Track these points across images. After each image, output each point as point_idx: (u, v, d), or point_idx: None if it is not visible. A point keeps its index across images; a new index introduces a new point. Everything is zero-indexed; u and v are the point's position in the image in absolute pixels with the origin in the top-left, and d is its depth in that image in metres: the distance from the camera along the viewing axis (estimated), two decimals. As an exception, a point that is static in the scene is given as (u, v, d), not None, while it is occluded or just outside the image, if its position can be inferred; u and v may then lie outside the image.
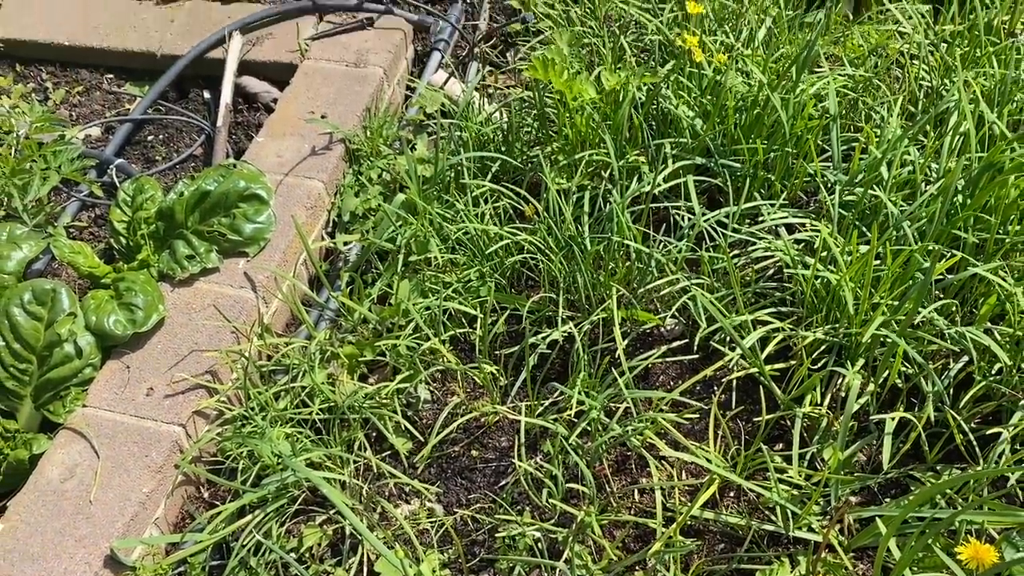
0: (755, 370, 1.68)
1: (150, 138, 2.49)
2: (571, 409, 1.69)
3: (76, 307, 1.80)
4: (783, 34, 2.32)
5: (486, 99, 2.44)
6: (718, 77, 2.02)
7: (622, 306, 1.85)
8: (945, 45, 2.22)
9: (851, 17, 2.55)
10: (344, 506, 1.53)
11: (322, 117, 2.28)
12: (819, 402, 1.69)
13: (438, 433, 1.73)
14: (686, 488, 1.70)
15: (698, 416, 1.77)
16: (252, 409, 1.79)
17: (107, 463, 1.68)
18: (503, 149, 2.17)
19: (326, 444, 1.75)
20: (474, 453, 1.84)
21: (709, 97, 2.05)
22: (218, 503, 1.79)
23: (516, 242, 1.93)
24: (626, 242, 1.80)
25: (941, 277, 1.73)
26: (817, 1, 2.51)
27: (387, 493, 1.78)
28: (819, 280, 1.75)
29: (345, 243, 2.14)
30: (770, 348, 1.69)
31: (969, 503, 1.49)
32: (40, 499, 1.64)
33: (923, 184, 1.87)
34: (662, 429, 1.64)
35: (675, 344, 1.83)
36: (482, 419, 1.86)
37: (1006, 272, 1.69)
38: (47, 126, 2.13)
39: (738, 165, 1.99)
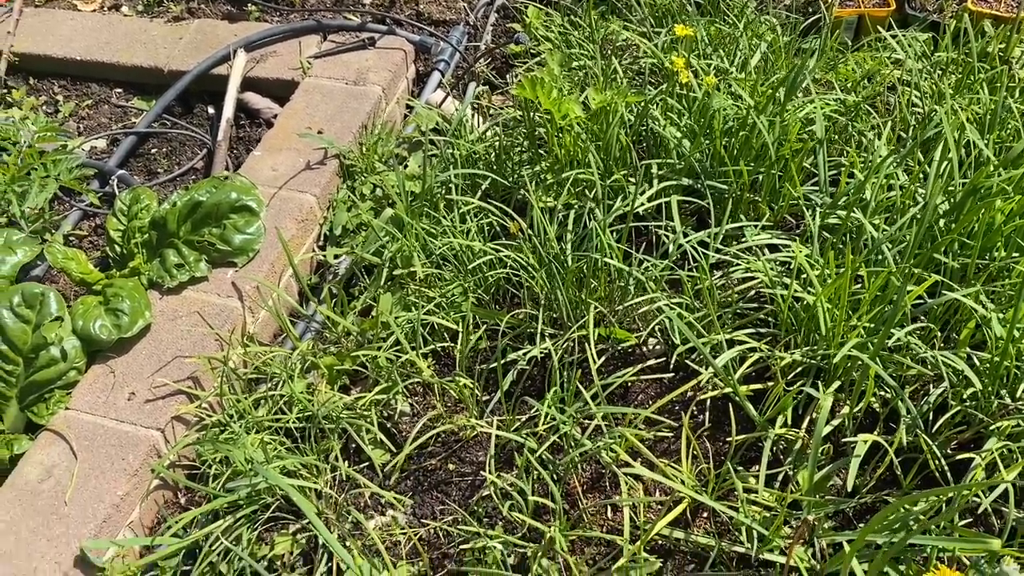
0: (730, 390, 1.67)
1: (153, 151, 2.55)
2: (544, 424, 1.69)
3: (64, 311, 1.84)
4: (779, 60, 2.33)
5: (482, 119, 2.47)
6: (707, 99, 2.03)
7: (601, 324, 1.85)
8: (940, 72, 2.22)
9: (850, 44, 2.55)
10: (312, 513, 1.53)
11: (319, 132, 2.32)
12: (796, 424, 1.68)
13: (413, 441, 1.74)
14: (658, 507, 1.69)
15: (673, 435, 1.76)
16: (230, 416, 1.80)
17: (84, 465, 1.70)
18: (494, 167, 2.19)
19: (302, 453, 1.76)
20: (451, 467, 1.84)
21: (698, 119, 2.06)
22: (194, 508, 1.80)
23: (500, 258, 1.94)
24: (606, 260, 1.81)
25: (922, 301, 1.72)
26: (815, 28, 2.52)
27: (362, 504, 1.79)
28: (799, 302, 1.74)
29: (335, 256, 2.16)
30: (746, 368, 1.68)
31: (940, 529, 1.46)
32: (17, 498, 1.67)
33: (910, 208, 1.86)
34: (633, 446, 1.63)
35: (653, 363, 1.83)
36: (460, 433, 1.86)
37: (987, 298, 1.67)
38: (50, 136, 2.19)
39: (724, 187, 1.99)
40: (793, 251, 1.83)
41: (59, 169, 2.08)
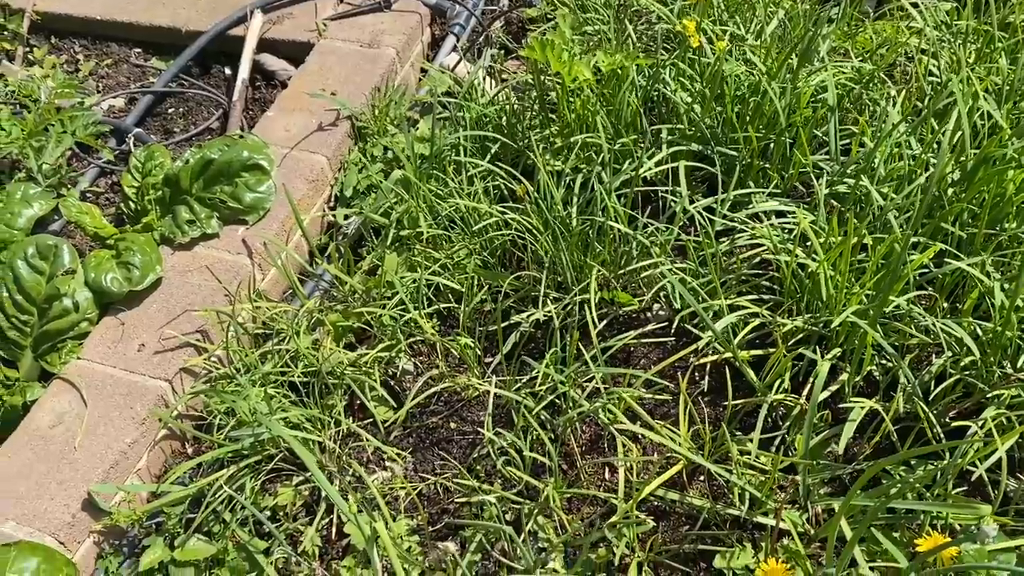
0: (729, 355, 1.68)
1: (170, 111, 2.57)
2: (543, 385, 1.70)
3: (77, 263, 1.88)
4: (797, 28, 2.30)
5: (495, 83, 2.47)
6: (718, 65, 2.01)
7: (605, 288, 1.86)
8: (960, 42, 2.18)
9: (872, 13, 2.51)
10: (313, 464, 1.56)
11: (332, 94, 2.33)
12: (797, 391, 1.68)
13: (414, 398, 1.76)
14: (657, 469, 1.70)
15: (674, 400, 1.77)
16: (237, 369, 1.84)
17: (93, 413, 1.74)
18: (504, 131, 2.19)
19: (306, 407, 1.79)
20: (452, 425, 1.86)
21: (710, 84, 2.04)
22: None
23: (505, 221, 1.95)
24: (611, 224, 1.81)
25: (927, 270, 1.71)
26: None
27: (364, 460, 1.82)
28: (803, 269, 1.73)
29: (344, 217, 2.18)
30: (748, 334, 1.68)
31: (935, 496, 1.46)
32: (29, 443, 1.71)
33: (922, 178, 1.84)
34: (632, 409, 1.64)
35: (655, 327, 1.83)
36: (463, 393, 1.88)
37: (996, 269, 1.66)
38: (67, 93, 2.22)
39: (735, 153, 1.98)
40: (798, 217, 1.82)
41: (75, 125, 2.11)
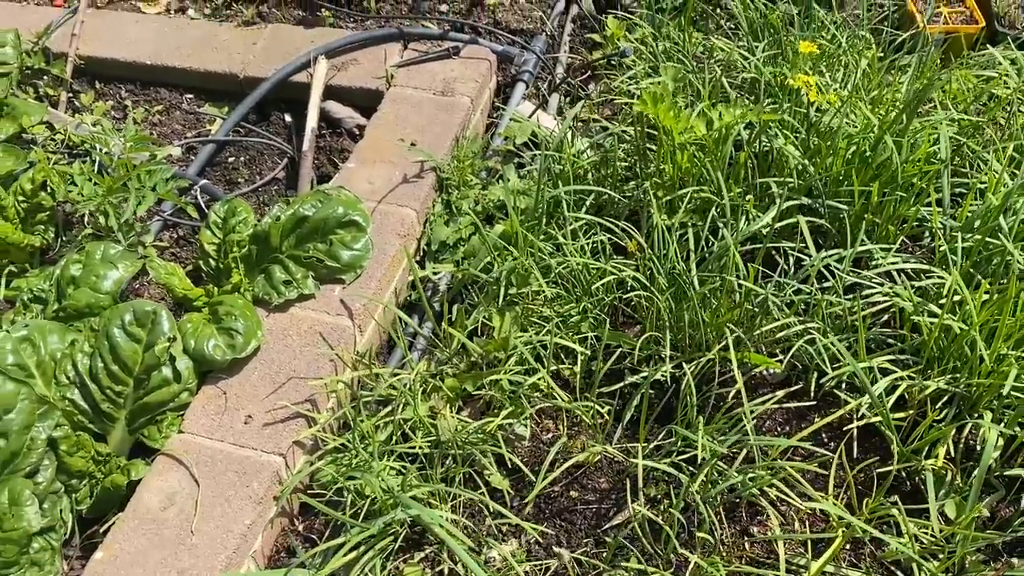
0: (877, 419, 1.64)
1: (231, 160, 2.47)
2: (686, 452, 1.64)
3: (175, 330, 1.77)
4: (875, 77, 2.29)
5: (569, 131, 2.42)
6: (825, 117, 2.00)
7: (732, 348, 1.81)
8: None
9: (939, 63, 2.52)
10: (460, 550, 1.48)
11: (412, 144, 2.26)
12: (927, 452, 1.65)
13: (546, 473, 1.68)
14: (802, 539, 1.65)
15: (808, 465, 1.72)
16: (351, 440, 1.74)
17: (207, 492, 1.63)
18: (594, 183, 2.14)
19: (428, 479, 1.70)
20: (573, 494, 1.79)
21: (814, 138, 2.02)
22: (314, 536, 1.74)
23: (621, 279, 1.89)
24: (741, 282, 1.76)
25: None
26: (906, 47, 2.49)
27: (483, 532, 1.73)
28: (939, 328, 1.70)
29: (434, 272, 2.10)
30: (895, 398, 1.64)
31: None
32: (140, 528, 1.59)
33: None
34: (784, 478, 1.59)
35: (782, 391, 1.78)
36: (578, 457, 1.81)
37: None
38: (140, 146, 2.11)
39: (844, 207, 1.95)
40: (929, 276, 1.80)
41: (155, 180, 2.01)
